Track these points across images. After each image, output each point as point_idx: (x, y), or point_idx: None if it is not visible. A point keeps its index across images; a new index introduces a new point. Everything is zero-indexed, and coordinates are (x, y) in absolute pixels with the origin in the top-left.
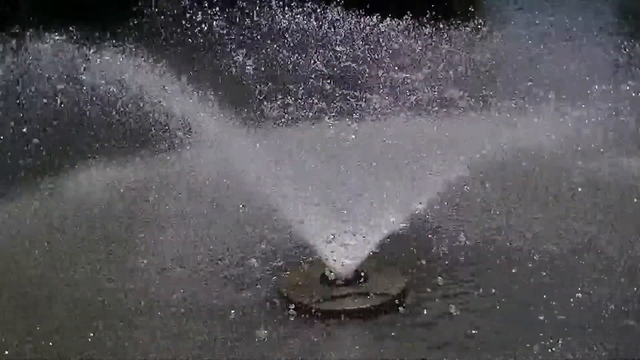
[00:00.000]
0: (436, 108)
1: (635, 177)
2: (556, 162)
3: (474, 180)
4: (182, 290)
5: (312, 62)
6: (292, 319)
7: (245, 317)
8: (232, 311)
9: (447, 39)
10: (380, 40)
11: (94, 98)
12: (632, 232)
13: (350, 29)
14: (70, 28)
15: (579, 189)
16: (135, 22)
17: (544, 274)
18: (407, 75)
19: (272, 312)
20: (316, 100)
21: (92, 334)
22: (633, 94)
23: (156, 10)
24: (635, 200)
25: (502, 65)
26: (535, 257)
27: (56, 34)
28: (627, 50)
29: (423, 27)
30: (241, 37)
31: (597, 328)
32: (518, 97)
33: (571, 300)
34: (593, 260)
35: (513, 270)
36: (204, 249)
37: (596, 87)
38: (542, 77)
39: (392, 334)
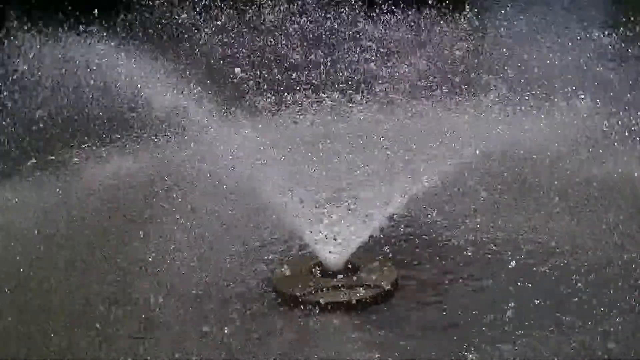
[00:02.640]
0: None
1: None
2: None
3: None
4: (171, 286)
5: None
6: (283, 311)
7: (237, 310)
8: (225, 305)
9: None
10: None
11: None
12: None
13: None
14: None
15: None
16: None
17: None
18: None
19: (263, 304)
20: None
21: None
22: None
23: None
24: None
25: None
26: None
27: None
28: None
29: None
30: None
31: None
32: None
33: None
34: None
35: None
36: (196, 243)
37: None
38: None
39: (383, 326)
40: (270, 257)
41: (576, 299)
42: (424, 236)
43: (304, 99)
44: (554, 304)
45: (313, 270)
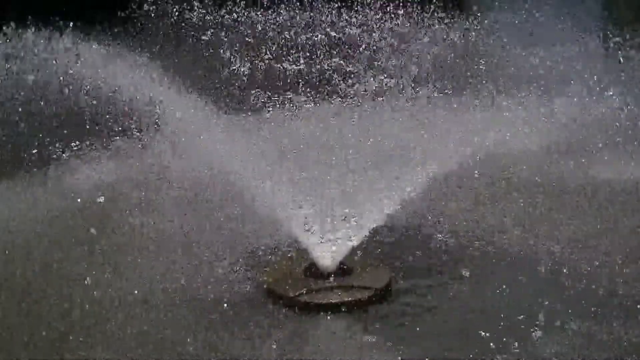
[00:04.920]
0: None
1: None
2: None
3: None
4: (164, 290)
5: None
6: (276, 312)
7: (230, 312)
8: (218, 307)
9: None
10: None
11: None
12: None
13: None
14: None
15: None
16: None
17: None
18: None
19: (256, 306)
20: None
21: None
22: None
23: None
24: None
25: None
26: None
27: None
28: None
29: None
30: None
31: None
32: None
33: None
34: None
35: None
36: (188, 242)
37: None
38: None
39: (376, 327)
40: (263, 259)
41: (575, 302)
42: (416, 238)
43: (296, 102)
44: (552, 308)
45: (306, 272)
